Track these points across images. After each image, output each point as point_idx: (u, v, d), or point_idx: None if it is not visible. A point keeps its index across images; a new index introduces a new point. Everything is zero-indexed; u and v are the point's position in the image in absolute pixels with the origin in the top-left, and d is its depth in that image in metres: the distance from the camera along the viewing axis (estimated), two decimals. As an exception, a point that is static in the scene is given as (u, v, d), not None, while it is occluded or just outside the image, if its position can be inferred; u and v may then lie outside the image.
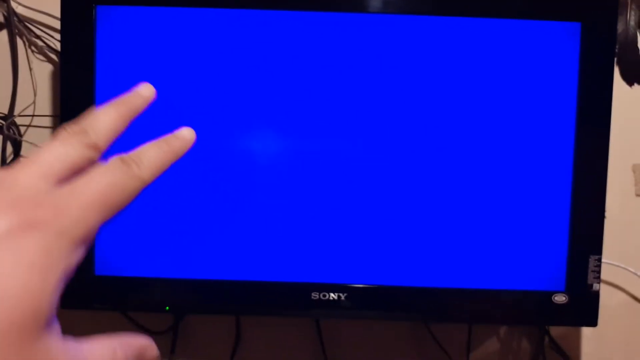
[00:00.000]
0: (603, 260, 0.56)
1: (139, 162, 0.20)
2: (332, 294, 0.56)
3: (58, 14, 0.61)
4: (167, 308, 0.56)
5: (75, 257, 0.17)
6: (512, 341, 0.69)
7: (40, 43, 0.65)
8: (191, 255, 0.56)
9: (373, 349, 0.69)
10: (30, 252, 0.16)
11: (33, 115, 0.66)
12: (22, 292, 0.15)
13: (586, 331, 0.69)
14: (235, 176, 0.55)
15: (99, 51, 0.54)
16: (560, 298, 0.56)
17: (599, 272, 0.55)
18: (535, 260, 0.56)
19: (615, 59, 0.66)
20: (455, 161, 0.55)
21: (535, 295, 0.56)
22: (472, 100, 0.55)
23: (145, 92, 0.21)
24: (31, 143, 0.65)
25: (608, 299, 0.67)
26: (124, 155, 0.20)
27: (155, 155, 0.21)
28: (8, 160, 0.66)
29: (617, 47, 0.66)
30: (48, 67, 0.66)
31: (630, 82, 0.67)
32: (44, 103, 0.66)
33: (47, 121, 0.66)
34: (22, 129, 0.66)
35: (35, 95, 0.66)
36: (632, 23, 0.66)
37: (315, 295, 0.56)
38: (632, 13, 0.66)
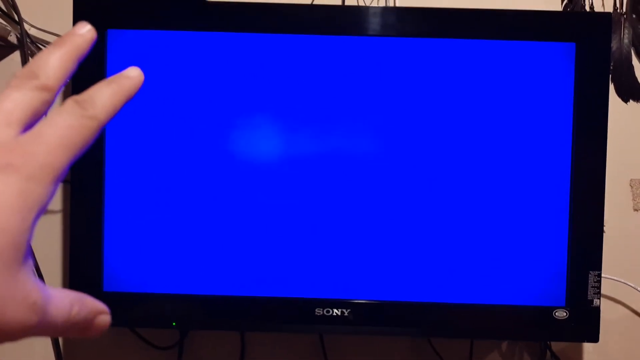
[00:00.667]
0: (603, 275, 0.56)
1: (92, 103, 0.21)
2: (335, 310, 0.56)
3: (69, 37, 0.63)
4: (174, 324, 0.57)
5: (46, 196, 0.19)
6: (514, 356, 0.69)
7: (51, 65, 0.67)
8: (197, 271, 0.57)
9: (376, 364, 0.69)
10: (7, 194, 0.18)
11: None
12: (2, 230, 0.17)
13: (587, 346, 0.69)
14: (240, 194, 0.57)
15: (110, 73, 0.56)
16: (561, 313, 0.56)
17: (599, 287, 0.56)
18: (535, 276, 0.57)
19: (611, 77, 0.67)
20: (456, 178, 0.57)
21: (536, 310, 0.57)
22: (471, 120, 0.56)
23: (83, 30, 0.22)
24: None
25: (609, 313, 0.68)
26: (77, 97, 0.21)
27: (107, 95, 0.22)
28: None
29: (611, 65, 0.67)
30: (58, 88, 0.68)
31: (625, 99, 0.68)
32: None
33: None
34: (33, 148, 0.67)
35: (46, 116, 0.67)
36: (625, 41, 0.68)
37: (319, 311, 0.56)
38: (626, 31, 0.68)
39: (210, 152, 0.57)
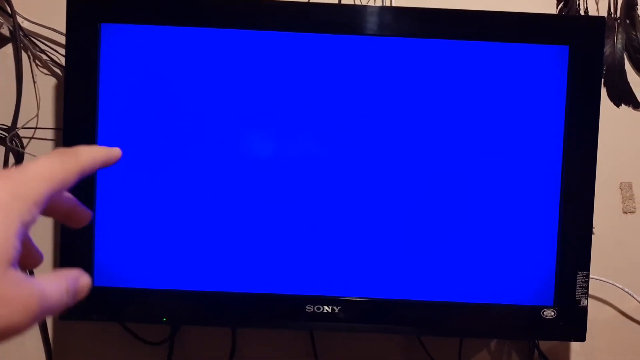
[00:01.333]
0: (592, 276, 0.57)
1: (75, 150, 0.25)
2: (326, 307, 0.57)
3: (63, 30, 0.63)
4: (165, 319, 0.57)
5: (30, 216, 0.22)
6: (502, 354, 0.70)
7: (44, 57, 0.67)
8: (188, 267, 0.57)
9: (366, 361, 0.70)
10: None
11: (36, 128, 0.67)
12: None
13: (575, 345, 0.70)
14: (231, 190, 0.57)
15: (103, 67, 0.56)
16: (549, 313, 0.57)
17: (586, 288, 0.57)
18: (525, 276, 0.57)
19: (603, 81, 0.68)
20: (448, 178, 0.57)
21: (524, 309, 0.57)
22: (463, 120, 0.57)
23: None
24: (33, 155, 0.67)
25: (597, 313, 0.69)
26: (62, 148, 0.25)
27: (89, 148, 0.26)
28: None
29: (604, 69, 0.68)
30: (52, 81, 0.67)
31: (617, 103, 0.69)
32: (47, 116, 0.67)
33: (49, 134, 0.67)
34: (25, 141, 0.67)
35: (38, 108, 0.67)
36: (619, 46, 0.69)
37: (309, 308, 0.57)
38: (619, 36, 0.69)
39: (203, 148, 0.57)
